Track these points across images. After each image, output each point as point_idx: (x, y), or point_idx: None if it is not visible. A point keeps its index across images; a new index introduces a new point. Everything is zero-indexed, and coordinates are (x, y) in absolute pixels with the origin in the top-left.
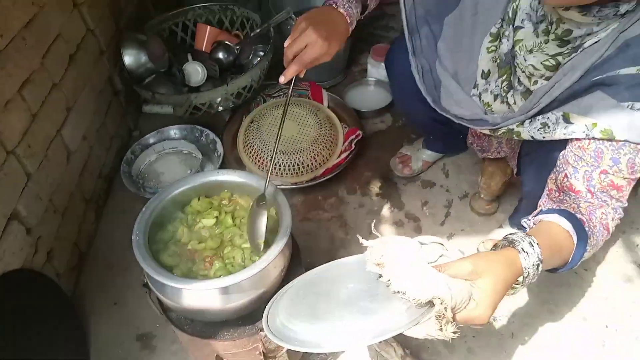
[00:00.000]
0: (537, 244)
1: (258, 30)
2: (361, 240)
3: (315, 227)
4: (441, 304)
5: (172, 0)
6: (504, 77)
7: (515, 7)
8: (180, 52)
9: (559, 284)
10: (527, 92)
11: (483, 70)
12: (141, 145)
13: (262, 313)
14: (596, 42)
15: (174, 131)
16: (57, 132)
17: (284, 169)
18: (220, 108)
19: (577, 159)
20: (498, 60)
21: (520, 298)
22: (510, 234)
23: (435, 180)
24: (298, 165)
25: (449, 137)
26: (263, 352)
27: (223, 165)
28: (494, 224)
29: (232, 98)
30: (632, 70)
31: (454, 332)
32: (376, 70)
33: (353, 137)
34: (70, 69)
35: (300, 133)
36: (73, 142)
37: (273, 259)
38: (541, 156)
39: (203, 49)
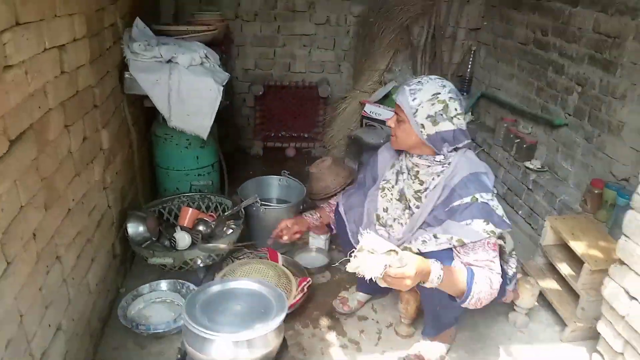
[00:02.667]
0: (441, 268)
1: (230, 211)
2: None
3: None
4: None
5: (154, 194)
6: (399, 207)
7: (399, 167)
8: (168, 227)
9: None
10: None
11: (383, 208)
12: (133, 295)
13: None
14: (435, 187)
15: (162, 284)
16: (86, 273)
17: None
18: (201, 265)
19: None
20: (390, 197)
21: None
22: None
23: (368, 315)
24: None
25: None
26: None
27: None
28: (413, 341)
29: (213, 255)
30: (458, 202)
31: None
32: (315, 240)
33: (305, 283)
34: (97, 230)
35: None
36: (92, 284)
37: (280, 322)
38: None
39: (185, 225)
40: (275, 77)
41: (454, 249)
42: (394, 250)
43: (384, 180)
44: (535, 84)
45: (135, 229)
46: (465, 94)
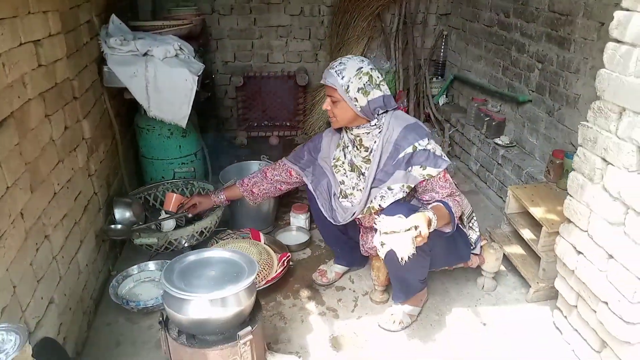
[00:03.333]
0: (433, 212)
1: None
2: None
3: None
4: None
5: (140, 182)
6: (353, 177)
7: (342, 143)
8: (154, 212)
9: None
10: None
11: (340, 181)
12: (123, 275)
13: (238, 334)
14: (377, 145)
15: (150, 264)
16: (76, 253)
17: None
18: (186, 244)
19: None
20: (344, 171)
21: None
22: (422, 207)
23: (345, 285)
24: None
25: (351, 253)
26: None
27: None
28: (386, 307)
29: (196, 235)
30: (402, 153)
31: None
32: (296, 219)
33: (285, 258)
34: (84, 215)
35: None
36: (82, 264)
37: (250, 282)
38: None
39: (170, 209)
40: (254, 68)
41: (420, 198)
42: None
43: (334, 159)
44: (501, 63)
45: (122, 213)
46: (440, 77)
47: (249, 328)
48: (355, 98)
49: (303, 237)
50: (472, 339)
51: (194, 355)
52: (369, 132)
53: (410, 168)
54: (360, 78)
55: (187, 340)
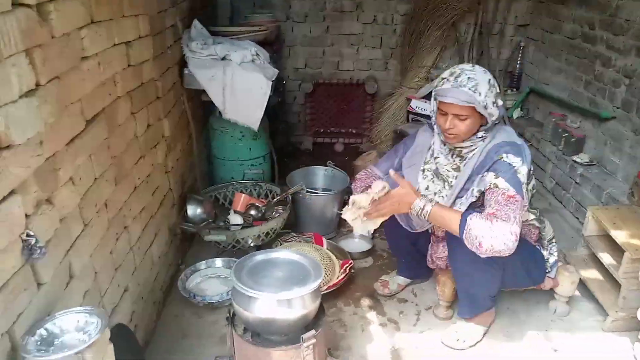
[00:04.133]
0: (434, 204)
1: (278, 198)
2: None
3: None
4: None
5: (211, 182)
6: (439, 184)
7: (432, 150)
8: (223, 211)
9: None
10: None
11: (425, 187)
12: (191, 270)
13: (302, 336)
14: (473, 154)
15: (217, 261)
16: (150, 245)
17: None
18: (252, 244)
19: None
20: (430, 176)
21: None
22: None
23: (407, 298)
24: None
25: (416, 265)
26: None
27: None
28: (449, 323)
29: (262, 236)
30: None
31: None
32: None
33: (347, 265)
34: (160, 209)
35: None
36: (155, 256)
37: (317, 285)
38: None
39: (238, 209)
40: (324, 75)
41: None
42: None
43: (424, 162)
44: (583, 77)
45: (194, 210)
46: (515, 89)
47: (313, 332)
48: (490, 113)
49: (365, 246)
50: None
51: (258, 354)
52: (472, 145)
53: (485, 173)
54: (492, 90)
55: (252, 338)
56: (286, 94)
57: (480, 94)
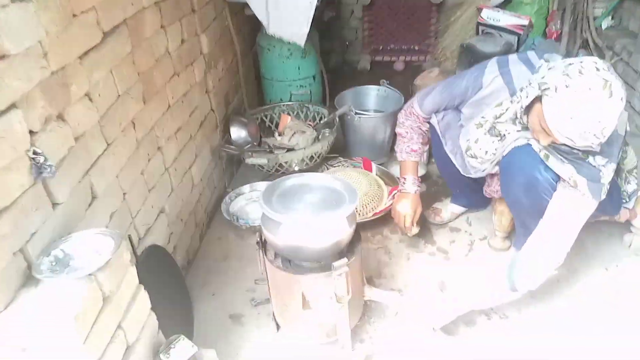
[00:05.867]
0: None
1: (325, 119)
2: None
3: (365, 254)
4: None
5: (261, 103)
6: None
7: (500, 114)
8: (269, 133)
9: None
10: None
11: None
12: (236, 193)
13: (333, 264)
14: None
15: (262, 185)
16: (189, 167)
17: None
18: (297, 168)
19: None
20: (484, 131)
21: None
22: None
23: (461, 227)
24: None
25: (472, 193)
26: (335, 294)
27: None
28: (505, 254)
29: (306, 160)
30: None
31: None
32: None
33: (396, 191)
34: (200, 130)
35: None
36: (196, 178)
37: (350, 211)
38: None
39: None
40: None
41: None
42: None
43: (482, 117)
44: None
45: (237, 133)
46: None
47: (345, 260)
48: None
49: (419, 171)
50: (609, 303)
51: (288, 280)
52: None
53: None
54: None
55: (283, 263)
56: (342, 8)
57: (604, 137)
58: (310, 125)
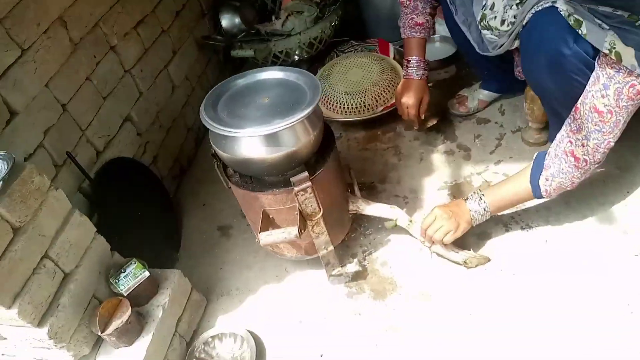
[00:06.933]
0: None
1: None
2: None
3: (372, 155)
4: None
5: None
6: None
7: None
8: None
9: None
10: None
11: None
12: None
13: (291, 179)
14: None
15: None
16: (165, 67)
17: (349, 108)
18: (297, 57)
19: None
20: None
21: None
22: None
23: (491, 117)
24: (360, 105)
25: (503, 75)
26: (300, 211)
27: None
28: (540, 150)
29: (305, 47)
30: None
31: None
32: (442, 27)
33: None
34: (176, 21)
35: (364, 77)
36: (177, 78)
37: (306, 113)
38: None
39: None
40: None
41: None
42: None
43: None
44: None
45: (230, 21)
46: None
47: (305, 174)
48: None
49: (448, 50)
50: None
51: (247, 198)
52: None
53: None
54: None
55: (242, 178)
56: None
57: None
58: (316, 3)
